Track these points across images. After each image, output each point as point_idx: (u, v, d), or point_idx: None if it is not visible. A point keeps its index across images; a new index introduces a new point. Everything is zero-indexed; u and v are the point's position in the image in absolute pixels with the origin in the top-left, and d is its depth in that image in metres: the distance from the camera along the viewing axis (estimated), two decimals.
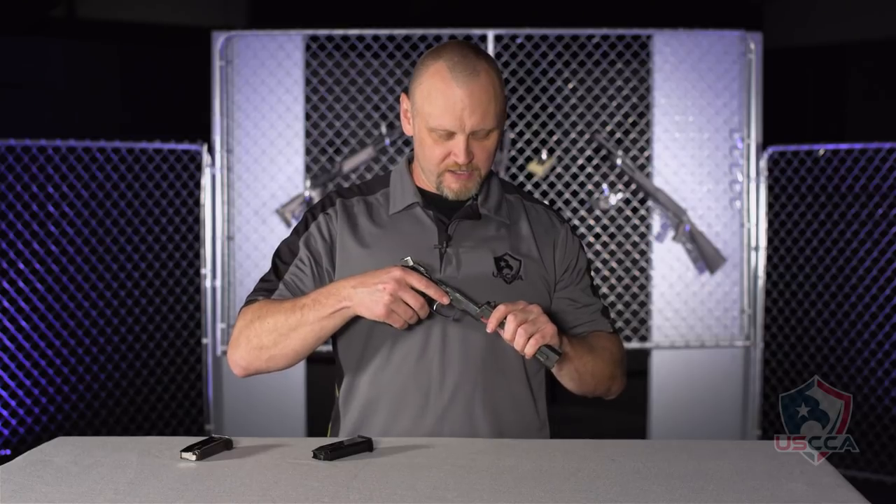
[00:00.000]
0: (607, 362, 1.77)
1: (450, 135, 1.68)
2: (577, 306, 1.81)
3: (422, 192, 1.79)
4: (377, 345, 1.73)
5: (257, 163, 4.06)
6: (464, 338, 1.70)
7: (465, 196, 1.75)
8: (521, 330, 1.58)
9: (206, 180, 4.07)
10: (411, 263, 1.65)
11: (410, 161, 1.84)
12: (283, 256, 1.80)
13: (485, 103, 1.66)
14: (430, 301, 1.63)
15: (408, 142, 4.21)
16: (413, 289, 1.61)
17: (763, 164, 4.09)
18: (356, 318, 1.67)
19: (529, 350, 1.58)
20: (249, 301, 1.76)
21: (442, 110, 1.66)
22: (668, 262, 4.11)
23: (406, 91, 1.77)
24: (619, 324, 4.17)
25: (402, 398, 1.72)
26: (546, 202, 1.95)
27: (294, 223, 4.00)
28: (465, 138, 1.67)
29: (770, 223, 4.28)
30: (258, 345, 1.68)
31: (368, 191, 1.84)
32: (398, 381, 1.72)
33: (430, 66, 1.68)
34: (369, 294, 1.60)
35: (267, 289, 1.76)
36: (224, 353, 4.03)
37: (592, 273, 1.90)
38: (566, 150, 4.23)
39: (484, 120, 1.66)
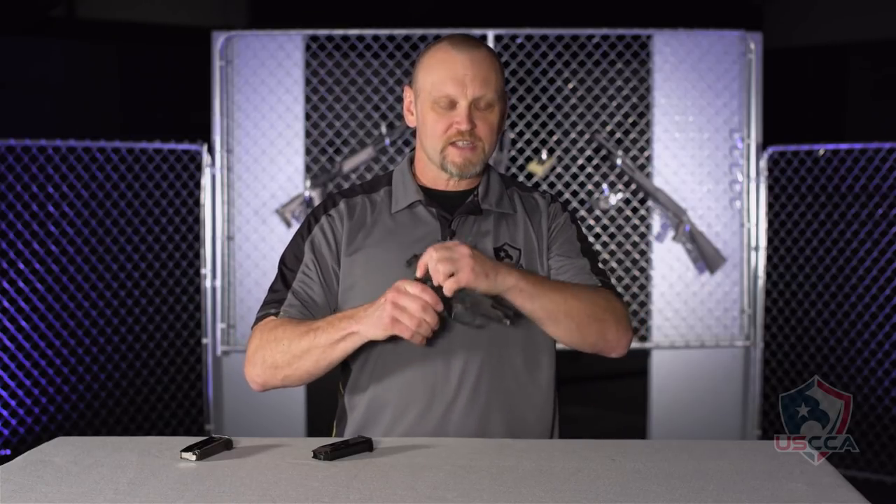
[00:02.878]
0: (586, 302, 1.68)
1: (452, 105, 1.71)
2: (558, 267, 1.79)
3: (424, 190, 1.80)
4: (381, 341, 1.73)
5: (257, 163, 4.06)
6: (468, 333, 1.70)
7: (469, 171, 1.75)
8: (440, 266, 1.56)
9: (206, 180, 4.07)
10: (417, 254, 1.64)
11: (412, 161, 1.85)
12: (288, 263, 1.80)
13: (485, 71, 1.71)
14: (448, 310, 1.60)
15: (408, 142, 4.22)
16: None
17: (763, 164, 4.09)
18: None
19: (449, 286, 1.56)
20: (261, 317, 1.76)
21: (444, 77, 1.70)
22: (668, 262, 4.11)
23: (409, 84, 1.79)
24: None
25: (407, 395, 1.72)
26: (540, 189, 1.95)
27: (294, 223, 4.01)
28: (468, 105, 1.70)
29: (770, 223, 4.28)
30: (273, 364, 1.69)
31: (371, 189, 1.85)
32: (404, 378, 1.73)
33: (433, 47, 1.76)
34: (374, 310, 1.60)
35: (276, 300, 1.76)
36: (224, 353, 4.04)
37: (587, 240, 1.86)
38: (566, 150, 4.23)
39: (485, 87, 1.70)
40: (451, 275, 1.56)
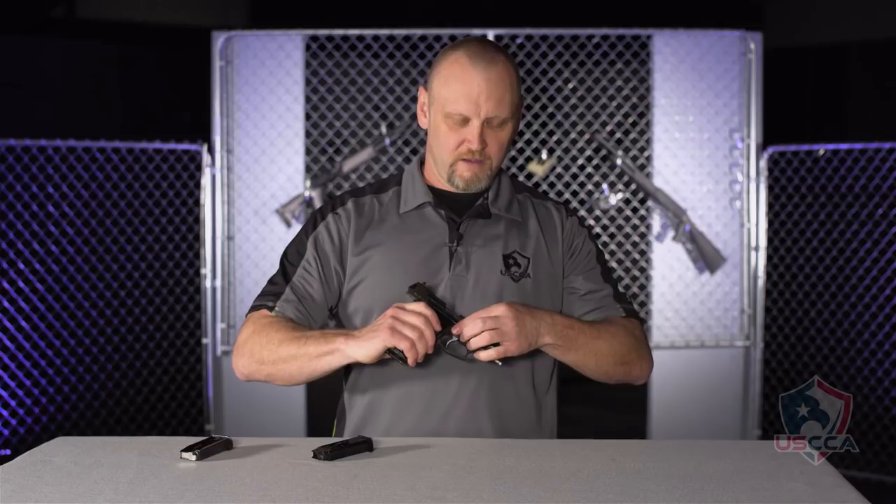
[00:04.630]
0: (616, 346, 1.73)
1: (465, 121, 1.69)
2: (579, 294, 1.80)
3: (433, 191, 1.79)
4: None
5: (257, 163, 4.07)
6: None
7: (476, 187, 1.75)
8: (487, 334, 1.58)
9: (206, 180, 4.07)
10: (424, 284, 1.66)
11: (422, 162, 1.85)
12: (290, 257, 1.80)
13: (500, 91, 1.68)
14: (441, 340, 1.62)
15: (408, 142, 4.21)
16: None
17: (763, 164, 4.09)
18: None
19: (484, 356, 1.60)
20: (257, 307, 1.76)
21: (458, 94, 1.68)
22: (668, 262, 4.11)
23: (424, 85, 1.79)
24: None
25: (407, 396, 1.72)
26: (555, 198, 1.94)
27: (294, 223, 4.01)
28: (480, 124, 1.68)
29: (770, 223, 4.28)
30: (259, 359, 1.70)
31: (381, 189, 1.84)
32: (404, 379, 1.72)
33: (450, 56, 1.72)
34: (371, 328, 1.60)
35: (274, 292, 1.76)
36: (224, 353, 4.04)
37: (606, 262, 1.87)
38: (566, 150, 4.23)
39: (499, 107, 1.68)
40: (495, 343, 1.59)
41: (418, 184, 1.80)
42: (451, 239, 1.75)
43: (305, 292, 1.75)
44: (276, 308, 1.74)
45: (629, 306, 1.82)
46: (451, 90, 1.68)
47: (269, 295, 1.76)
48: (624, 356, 1.75)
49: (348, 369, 1.80)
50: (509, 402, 1.74)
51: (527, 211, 1.82)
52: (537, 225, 1.81)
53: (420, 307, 1.58)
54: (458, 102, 1.67)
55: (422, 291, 1.64)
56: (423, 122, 1.79)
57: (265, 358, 1.68)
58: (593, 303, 1.79)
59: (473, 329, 1.59)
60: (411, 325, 1.56)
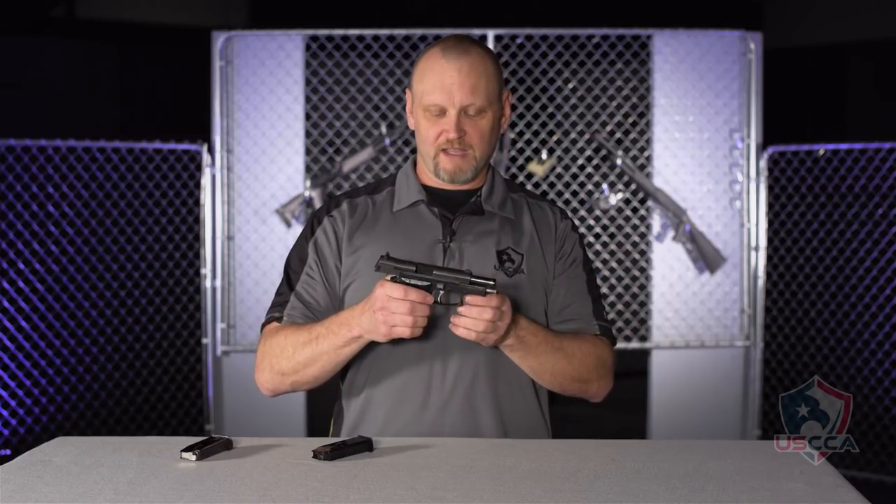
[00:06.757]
0: (575, 363, 1.74)
1: (442, 113, 1.71)
2: (559, 301, 1.80)
3: (427, 190, 1.80)
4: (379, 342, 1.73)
5: (257, 163, 4.06)
6: None
7: (461, 178, 1.75)
8: (482, 324, 1.58)
9: (206, 180, 4.07)
10: (387, 256, 1.62)
11: (416, 163, 1.86)
12: (293, 265, 1.82)
13: (474, 79, 1.70)
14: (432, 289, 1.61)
15: (408, 142, 4.22)
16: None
17: (763, 164, 4.09)
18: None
19: (462, 333, 1.60)
20: (267, 321, 1.79)
21: (433, 86, 1.71)
22: (668, 262, 4.11)
23: (409, 87, 1.81)
24: (619, 324, 4.17)
25: (403, 392, 1.73)
26: (550, 199, 1.95)
27: (294, 223, 4.01)
28: (457, 113, 1.70)
29: (770, 223, 4.28)
30: (280, 371, 1.72)
31: (375, 190, 1.86)
32: (399, 375, 1.73)
33: (426, 53, 1.76)
34: (370, 319, 1.61)
35: (281, 303, 1.78)
36: (224, 353, 4.03)
37: (593, 271, 1.87)
38: (566, 150, 4.23)
39: (473, 95, 1.70)
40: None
41: (412, 182, 1.81)
42: (444, 235, 1.76)
43: (311, 298, 1.77)
44: (284, 318, 1.76)
45: (605, 324, 1.82)
46: (427, 83, 1.72)
47: (277, 306, 1.79)
48: (582, 374, 1.75)
49: (345, 372, 1.81)
50: (506, 395, 1.75)
51: (521, 209, 1.83)
52: (532, 223, 1.82)
53: (401, 293, 1.56)
54: (434, 93, 1.70)
55: (388, 268, 1.61)
56: (410, 122, 1.82)
57: (285, 368, 1.71)
58: (570, 313, 1.80)
59: (470, 319, 1.59)
60: (402, 314, 1.56)
